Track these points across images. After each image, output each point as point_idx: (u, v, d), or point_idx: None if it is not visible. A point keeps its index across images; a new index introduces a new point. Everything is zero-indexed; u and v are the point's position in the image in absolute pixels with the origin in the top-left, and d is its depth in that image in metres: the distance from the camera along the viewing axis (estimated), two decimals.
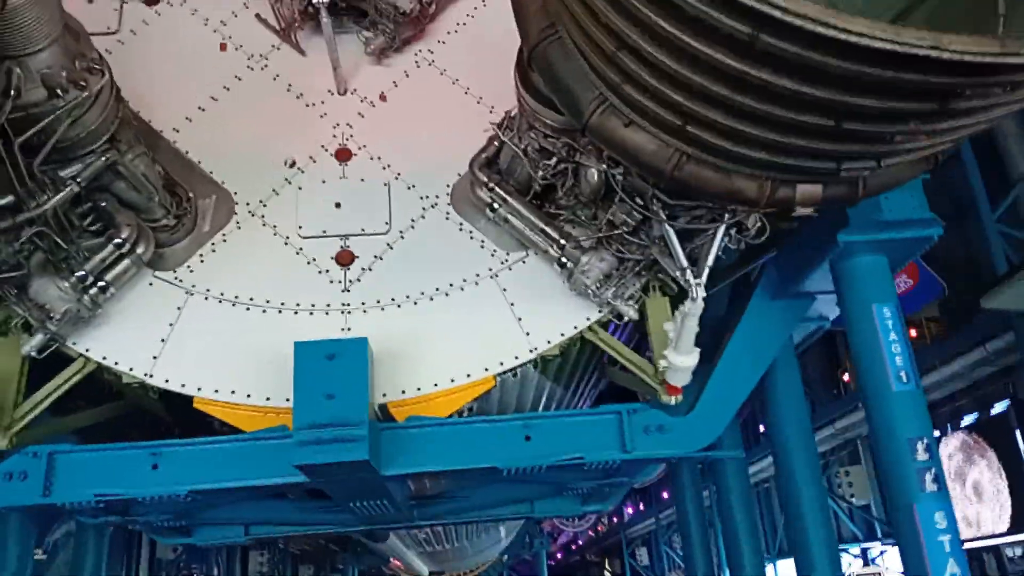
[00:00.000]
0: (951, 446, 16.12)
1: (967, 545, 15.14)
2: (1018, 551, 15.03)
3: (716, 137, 2.89)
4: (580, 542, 57.26)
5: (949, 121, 2.58)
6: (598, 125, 3.14)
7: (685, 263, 4.77)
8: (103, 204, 5.10)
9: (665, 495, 38.38)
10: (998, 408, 14.53)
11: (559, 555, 65.26)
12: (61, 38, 4.32)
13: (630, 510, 45.20)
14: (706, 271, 4.79)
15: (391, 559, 22.06)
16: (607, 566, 51.28)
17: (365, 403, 4.63)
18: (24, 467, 4.95)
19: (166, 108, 5.93)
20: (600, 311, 5.51)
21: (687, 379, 5.29)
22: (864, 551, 20.74)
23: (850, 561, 21.07)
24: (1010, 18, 2.94)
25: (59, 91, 4.31)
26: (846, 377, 19.09)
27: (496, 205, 5.41)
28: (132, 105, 5.87)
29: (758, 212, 4.34)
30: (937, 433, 16.29)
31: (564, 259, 5.29)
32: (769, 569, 29.95)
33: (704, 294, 4.79)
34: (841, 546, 21.29)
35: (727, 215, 4.68)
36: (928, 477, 4.47)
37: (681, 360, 5.12)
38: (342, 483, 5.33)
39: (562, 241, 5.22)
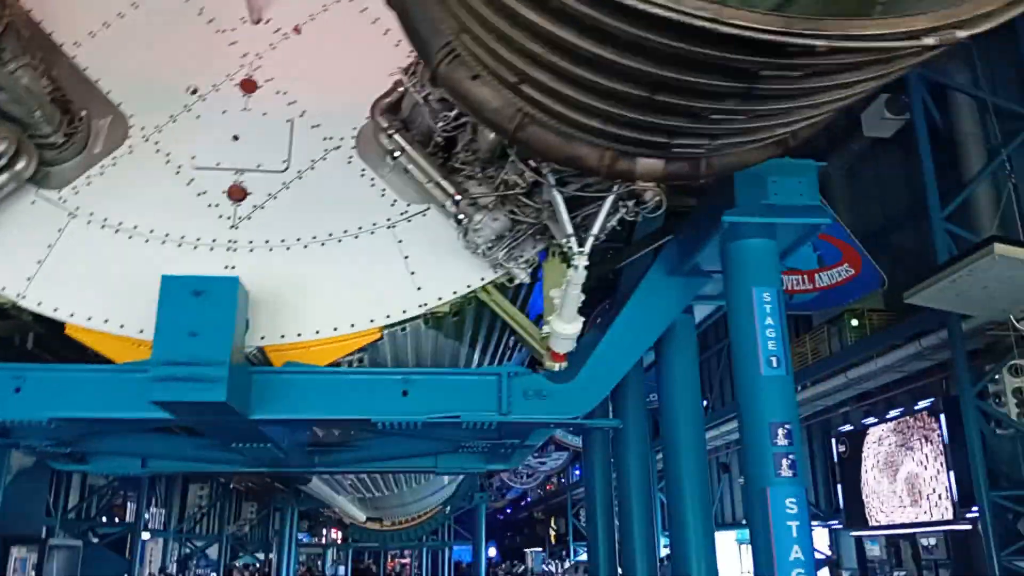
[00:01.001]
0: (880, 434, 16.39)
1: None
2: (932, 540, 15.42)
3: (550, 100, 2.78)
4: (528, 499, 58.09)
5: (768, 103, 2.49)
6: (445, 75, 3.01)
7: (569, 230, 4.68)
8: None
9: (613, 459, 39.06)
10: (923, 404, 14.78)
11: (508, 510, 66.23)
12: None
13: (577, 472, 45.87)
14: (591, 240, 4.71)
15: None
16: (552, 525, 52.12)
17: (228, 344, 4.52)
18: None
19: (70, 20, 5.68)
20: (496, 272, 5.42)
21: (571, 346, 5.24)
22: None
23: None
24: (888, 7, 2.84)
25: None
26: None
27: (396, 153, 5.26)
28: (35, 14, 5.66)
29: (636, 185, 4.23)
30: (873, 420, 16.61)
31: (460, 215, 5.17)
32: None
33: (586, 263, 4.71)
34: None
35: (616, 186, 4.59)
36: (785, 463, 4.48)
37: (563, 327, 5.06)
38: (211, 424, 5.25)
39: (457, 196, 5.09)
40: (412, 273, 5.42)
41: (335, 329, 5.29)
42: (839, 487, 18.19)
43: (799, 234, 4.91)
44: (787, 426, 4.54)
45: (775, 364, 4.66)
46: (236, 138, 5.54)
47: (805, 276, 13.24)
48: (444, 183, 5.11)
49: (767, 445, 4.51)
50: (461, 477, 24.10)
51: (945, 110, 14.18)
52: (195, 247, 5.34)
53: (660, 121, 2.64)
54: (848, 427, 17.92)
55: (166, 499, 27.11)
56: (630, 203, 5.14)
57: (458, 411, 5.15)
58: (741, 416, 4.72)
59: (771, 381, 4.64)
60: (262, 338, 5.22)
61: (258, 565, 34.06)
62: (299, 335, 5.26)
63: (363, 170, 5.58)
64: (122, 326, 5.11)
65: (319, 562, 38.25)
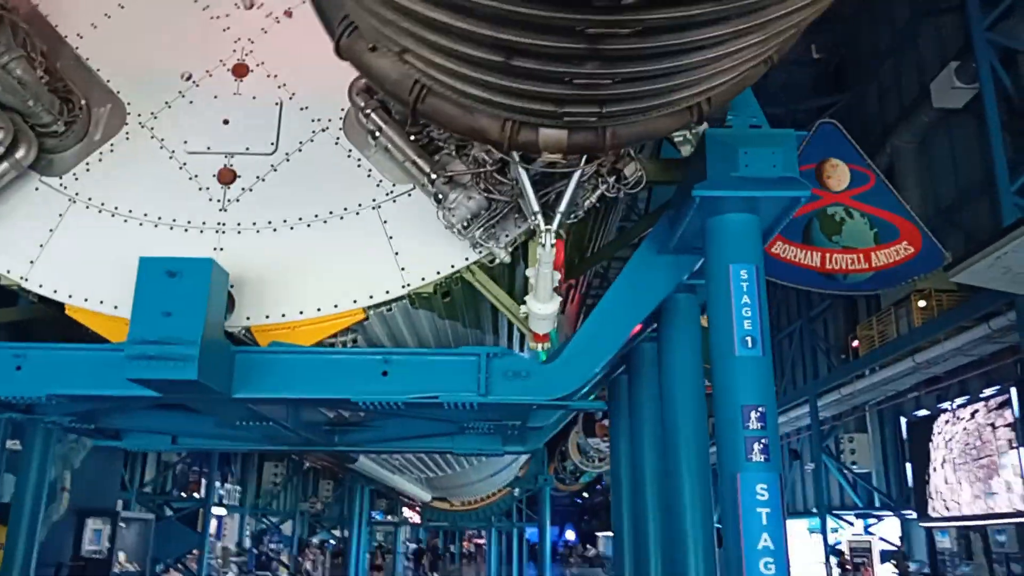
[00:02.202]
0: (950, 421, 15.63)
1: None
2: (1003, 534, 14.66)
3: (431, 70, 2.70)
4: (604, 482, 57.97)
5: (631, 65, 2.33)
6: (347, 48, 2.96)
7: (536, 207, 4.58)
8: None
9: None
10: (993, 389, 14.00)
11: (585, 493, 66.28)
12: None
13: None
14: (558, 217, 4.60)
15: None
16: None
17: (200, 323, 4.61)
18: None
19: (74, 13, 5.87)
20: (479, 252, 5.37)
21: (549, 326, 5.16)
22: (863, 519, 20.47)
23: (843, 528, 20.85)
24: None
25: None
26: (855, 343, 18.55)
27: (377, 133, 5.25)
28: (42, 7, 5.88)
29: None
30: (943, 406, 15.83)
31: (438, 194, 5.13)
32: None
33: (553, 241, 4.61)
34: (839, 512, 21.05)
35: (582, 161, 4.47)
36: (756, 447, 4.28)
37: (539, 307, 4.98)
38: (200, 402, 5.38)
39: (433, 175, 5.05)
40: (396, 254, 5.42)
41: (319, 310, 5.35)
42: (909, 476, 17.46)
43: (779, 208, 4.67)
44: (760, 409, 4.34)
45: (750, 344, 4.46)
46: (227, 122, 5.63)
47: (860, 255, 12.67)
48: (420, 162, 5.07)
49: (739, 428, 4.33)
50: (523, 459, 24.23)
51: (1018, 77, 13.30)
52: (186, 230, 5.47)
53: (537, 89, 2.53)
54: (918, 413, 17.16)
55: (242, 476, 28.18)
56: (611, 179, 5.02)
57: (438, 391, 5.13)
58: (715, 398, 4.55)
59: (745, 362, 4.45)
60: (247, 318, 5.32)
61: (333, 542, 35.10)
62: (283, 315, 5.34)
63: (350, 151, 5.59)
64: (116, 307, 5.28)
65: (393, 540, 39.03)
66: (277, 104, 5.68)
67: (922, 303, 15.22)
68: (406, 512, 37.08)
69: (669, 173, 5.26)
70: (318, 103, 5.67)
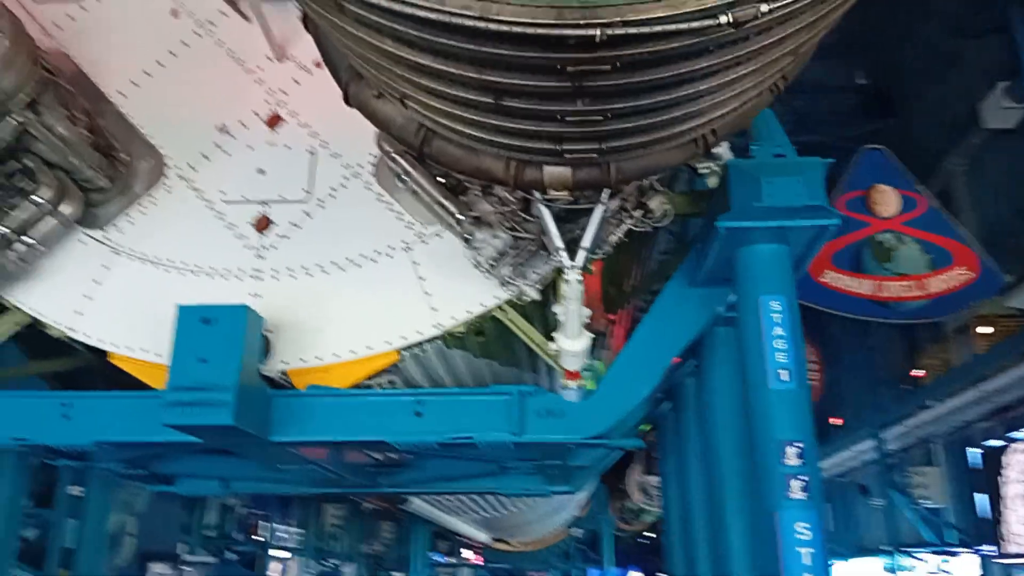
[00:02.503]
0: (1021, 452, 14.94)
1: None
2: None
3: (430, 113, 2.73)
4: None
5: (621, 101, 2.32)
6: (355, 96, 3.02)
7: (559, 243, 4.57)
8: (29, 164, 5.36)
9: None
10: None
11: (652, 533, 64.84)
12: None
13: None
14: (581, 254, 4.58)
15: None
16: None
17: (236, 369, 4.70)
18: None
19: (116, 72, 6.12)
20: (509, 291, 5.37)
21: (580, 363, 5.11)
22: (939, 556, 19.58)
23: (915, 566, 19.97)
24: None
25: None
26: (919, 372, 17.92)
27: (404, 176, 5.32)
28: (86, 69, 6.16)
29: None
30: (1015, 436, 15.13)
31: (465, 235, 5.16)
32: (844, 565, 28.78)
33: (579, 277, 4.58)
34: (910, 550, 20.19)
35: (604, 197, 4.46)
36: (796, 484, 4.14)
37: (568, 344, 4.95)
38: (239, 446, 5.46)
39: (459, 216, 5.08)
40: (428, 294, 5.46)
41: (352, 352, 5.40)
42: (982, 509, 16.68)
43: (808, 237, 4.56)
44: (799, 444, 4.21)
45: (785, 377, 4.34)
46: (261, 171, 5.79)
47: (914, 282, 12.32)
48: (446, 203, 5.11)
49: (776, 465, 4.20)
50: (582, 499, 23.90)
51: None
52: (225, 277, 5.61)
53: (533, 127, 2.53)
54: (988, 443, 16.43)
55: (303, 519, 28.34)
56: (636, 213, 4.99)
57: (470, 432, 5.11)
58: (751, 434, 4.42)
59: (780, 395, 4.32)
60: (284, 362, 5.40)
61: None
62: (318, 359, 5.41)
63: (380, 195, 5.68)
64: (158, 355, 5.42)
65: None
66: (310, 152, 5.81)
67: (986, 329, 14.67)
68: (465, 553, 36.78)
69: (696, 205, 5.21)
70: (349, 150, 5.79)
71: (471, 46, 2.02)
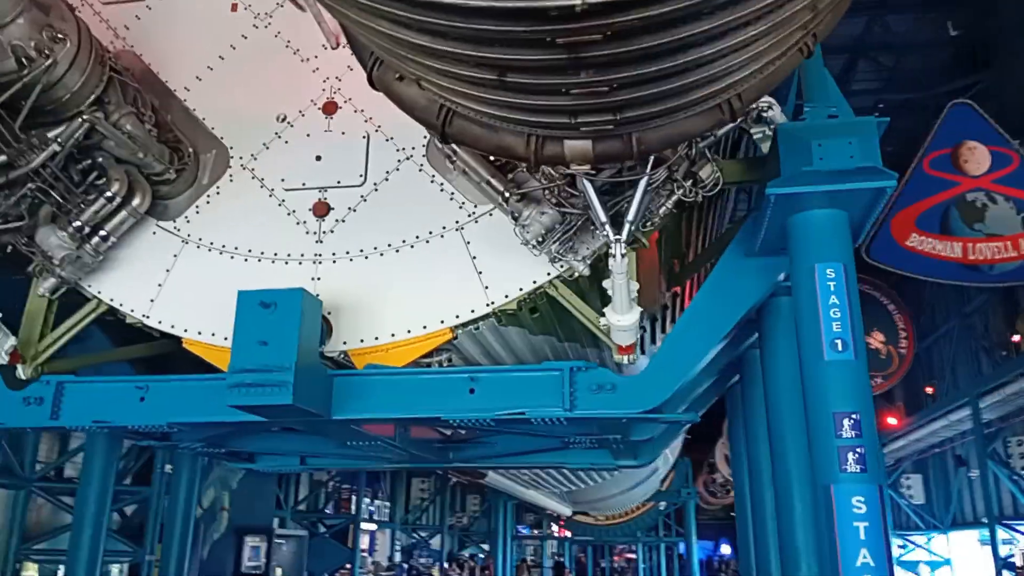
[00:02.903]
0: None
1: None
2: None
3: (446, 93, 2.74)
4: None
5: (626, 70, 2.26)
6: (379, 80, 3.06)
7: (603, 218, 4.53)
8: (100, 160, 5.64)
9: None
10: None
11: None
12: (27, 11, 4.80)
13: None
14: (627, 227, 4.53)
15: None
16: None
17: (293, 350, 4.86)
18: (41, 393, 5.68)
19: (180, 68, 6.36)
20: (560, 267, 5.37)
21: (632, 337, 5.07)
22: None
23: (1017, 540, 19.13)
24: None
25: (24, 60, 4.80)
26: (1016, 338, 17.04)
27: (453, 157, 5.37)
28: (154, 66, 6.42)
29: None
30: None
31: (514, 212, 5.18)
32: (941, 539, 27.78)
33: (624, 251, 4.54)
34: (1011, 523, 19.35)
35: (647, 168, 4.40)
36: (852, 457, 4.03)
37: (618, 319, 4.92)
38: (305, 424, 5.66)
39: (506, 193, 5.10)
40: (480, 273, 5.52)
41: (408, 332, 5.52)
42: None
43: (864, 201, 4.38)
44: (854, 416, 4.09)
45: (840, 348, 4.22)
46: (319, 158, 5.93)
47: (1008, 242, 11.70)
48: (494, 181, 5.14)
49: (831, 438, 4.10)
50: (664, 473, 23.78)
51: None
52: (286, 263, 5.79)
53: (543, 102, 2.52)
54: None
55: (391, 493, 29.15)
56: (687, 184, 4.91)
57: (523, 407, 5.15)
58: (806, 406, 4.32)
59: (836, 366, 4.20)
60: (344, 343, 5.56)
61: (482, 556, 35.62)
62: (376, 339, 5.54)
63: (432, 176, 5.75)
64: (226, 338, 5.64)
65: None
66: (364, 137, 5.92)
67: None
68: (552, 526, 37.15)
69: (750, 172, 5.08)
70: (402, 133, 5.86)
71: (461, 24, 2.03)
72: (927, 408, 23.37)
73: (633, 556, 47.35)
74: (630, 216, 4.52)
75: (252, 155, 6.08)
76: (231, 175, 6.07)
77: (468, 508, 35.43)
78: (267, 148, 6.07)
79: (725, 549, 69.97)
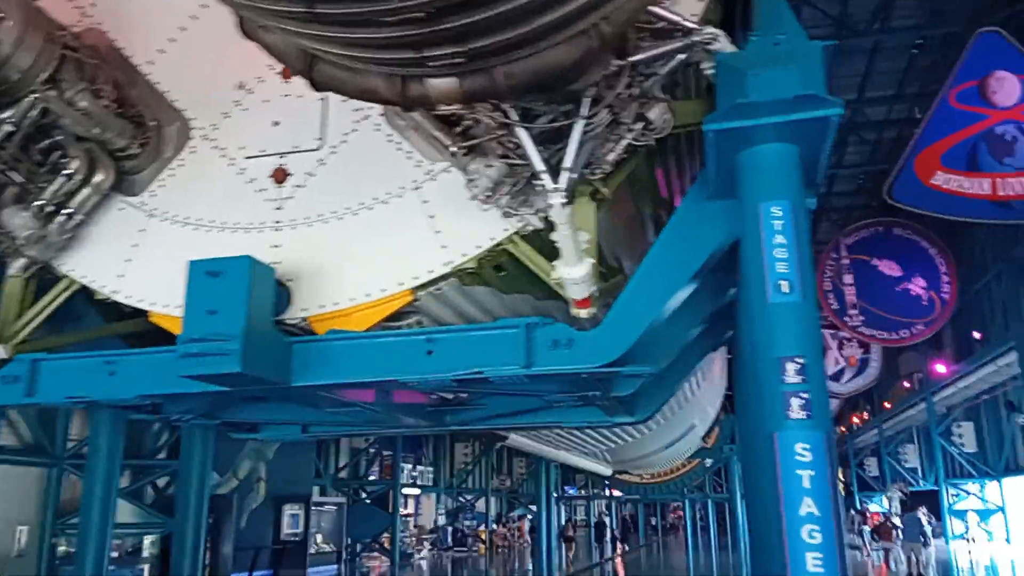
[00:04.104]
0: None
1: None
2: None
3: (293, 37, 2.61)
4: None
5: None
6: (248, 29, 2.95)
7: (540, 166, 4.39)
8: (60, 139, 5.66)
9: (887, 405, 35.78)
10: None
11: None
12: None
13: (856, 419, 42.74)
14: (565, 176, 4.37)
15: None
16: (840, 477, 49.34)
17: (242, 318, 4.83)
18: (17, 371, 5.78)
19: (144, 43, 6.32)
20: (518, 222, 5.23)
21: (585, 291, 4.93)
22: None
23: None
24: None
25: None
26: None
27: (397, 112, 5.24)
28: (118, 42, 6.38)
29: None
30: None
31: (461, 166, 5.04)
32: (994, 487, 27.08)
33: (563, 200, 4.38)
34: None
35: (582, 111, 4.22)
36: (796, 403, 3.85)
37: (568, 271, 4.78)
38: (277, 391, 5.66)
39: (453, 147, 4.96)
40: (437, 232, 5.40)
41: (367, 295, 5.45)
42: None
43: (813, 133, 4.12)
44: (799, 360, 3.90)
45: (785, 289, 4.01)
46: (276, 124, 5.85)
47: None
48: (439, 135, 5.00)
49: (775, 383, 3.92)
50: (704, 430, 23.57)
51: None
52: (247, 232, 5.76)
53: (376, 35, 2.37)
54: None
55: (434, 458, 29.55)
56: (636, 127, 4.71)
57: (481, 367, 5.06)
58: (750, 351, 4.14)
59: (781, 308, 4.00)
60: (304, 309, 5.52)
61: (530, 516, 35.99)
62: (336, 304, 5.49)
63: (390, 136, 5.63)
64: None
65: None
66: (321, 99, 5.81)
67: None
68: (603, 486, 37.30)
69: (703, 113, 4.83)
70: None
71: None
72: (975, 354, 22.66)
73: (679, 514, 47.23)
74: (567, 163, 4.36)
75: (213, 125, 6.03)
76: (193, 146, 6.04)
77: (515, 471, 35.79)
78: (227, 117, 6.01)
79: None
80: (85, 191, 5.75)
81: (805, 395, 3.86)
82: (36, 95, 5.31)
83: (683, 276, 4.92)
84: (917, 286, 18.95)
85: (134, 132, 5.96)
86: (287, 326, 5.60)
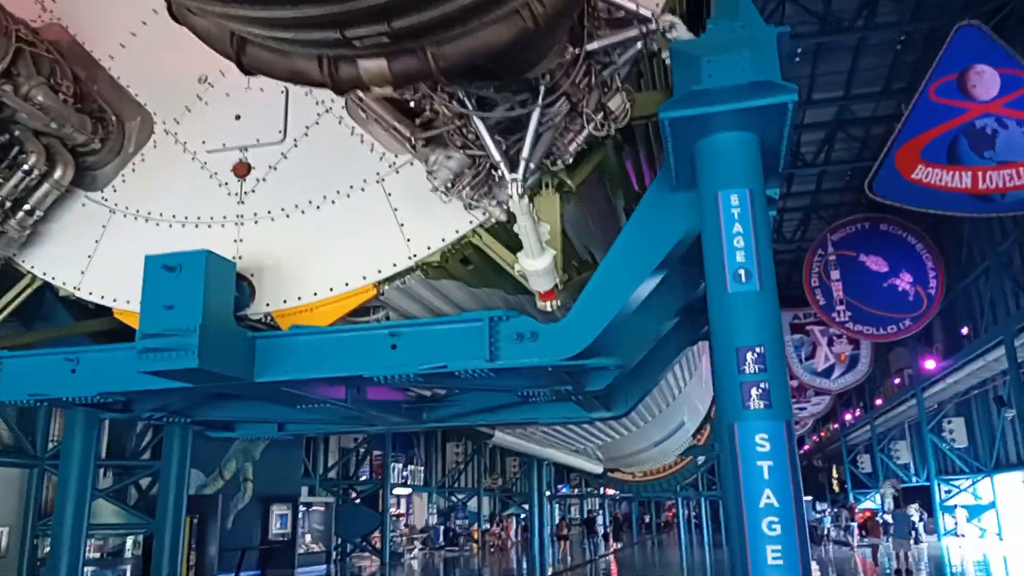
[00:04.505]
0: None
1: None
2: None
3: (220, 19, 2.54)
4: (806, 447, 55.47)
5: None
6: (177, 13, 2.88)
7: (497, 156, 4.32)
8: (17, 134, 5.57)
9: (879, 401, 35.79)
10: None
11: None
12: None
13: (848, 416, 42.78)
14: (522, 164, 4.30)
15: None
16: (835, 473, 49.43)
17: (198, 313, 4.75)
18: None
19: (104, 37, 6.23)
20: (482, 215, 5.15)
21: (548, 283, 4.86)
22: None
23: None
24: None
25: None
26: None
27: (360, 105, 5.16)
28: (78, 36, 6.30)
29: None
30: None
31: (422, 158, 4.97)
32: (985, 482, 27.06)
33: (521, 191, 4.32)
34: None
35: (539, 99, 4.15)
36: (755, 393, 3.79)
37: (530, 263, 4.71)
38: (242, 388, 5.57)
39: (413, 139, 4.89)
40: (401, 225, 5.33)
41: (331, 290, 5.37)
42: None
43: (770, 120, 4.06)
44: (758, 350, 3.84)
45: (744, 279, 3.95)
46: (238, 117, 5.77)
47: (1021, 168, 11.04)
48: (399, 126, 4.93)
49: (734, 373, 3.86)
50: (694, 428, 23.53)
51: None
52: (209, 226, 5.68)
53: (294, 14, 2.30)
54: None
55: (425, 457, 29.46)
56: (597, 117, 4.64)
57: (445, 361, 4.99)
58: (711, 342, 4.07)
59: (740, 298, 3.94)
60: (267, 304, 5.45)
61: (523, 516, 35.93)
62: (299, 299, 5.41)
63: (352, 128, 5.55)
64: None
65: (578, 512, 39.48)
66: (283, 92, 5.74)
67: None
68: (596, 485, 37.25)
69: (657, 102, 4.76)
70: None
71: None
72: (964, 350, 22.65)
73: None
74: (524, 152, 4.29)
75: (175, 119, 5.95)
76: (155, 141, 5.96)
77: (508, 470, 35.73)
78: (189, 111, 5.93)
79: None
80: (44, 187, 5.66)
81: (764, 384, 3.79)
82: None
83: (647, 268, 4.86)
84: (904, 281, 18.92)
85: (94, 127, 5.87)
86: (251, 321, 5.53)
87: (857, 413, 41.23)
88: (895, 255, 18.77)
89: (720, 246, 4.02)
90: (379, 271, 5.31)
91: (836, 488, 48.16)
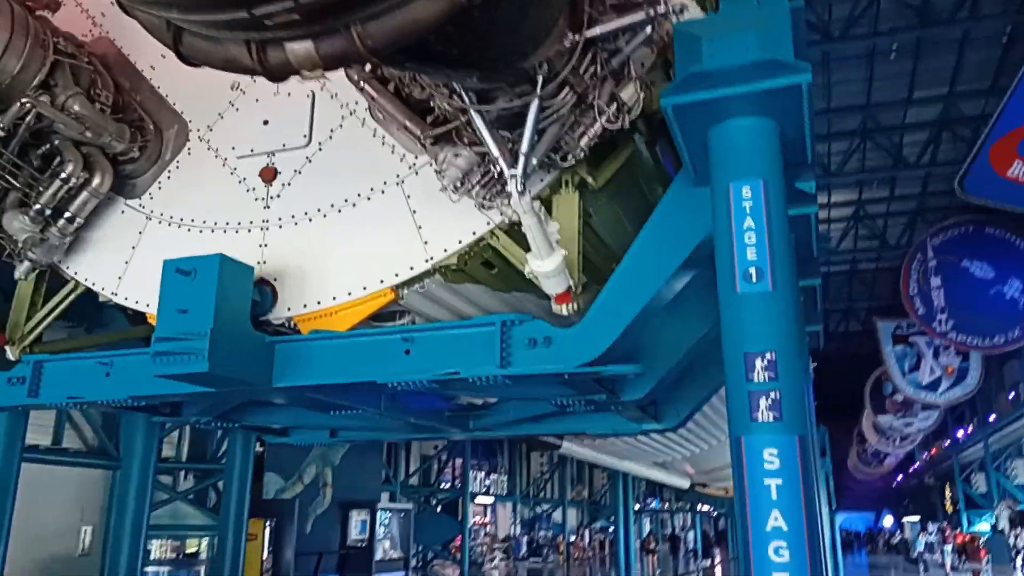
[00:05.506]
0: None
1: None
2: None
3: (145, 5, 2.45)
4: (917, 464, 52.63)
5: None
6: (124, 4, 2.81)
7: (496, 152, 4.12)
8: (56, 143, 5.74)
9: (992, 417, 33.40)
10: None
11: (899, 477, 60.52)
12: None
13: (960, 433, 40.18)
14: (521, 159, 4.08)
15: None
16: (947, 492, 46.70)
17: (209, 318, 4.73)
18: (23, 373, 5.88)
19: (147, 48, 6.38)
20: (499, 216, 4.96)
21: (561, 285, 4.62)
22: None
23: None
24: None
25: None
26: None
27: (370, 104, 5.05)
28: (124, 49, 6.48)
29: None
30: None
31: (431, 157, 4.82)
32: None
33: (522, 188, 4.10)
34: None
35: (536, 91, 3.94)
36: (764, 403, 3.44)
37: (539, 265, 4.48)
38: (267, 393, 5.55)
39: (423, 138, 4.74)
40: (419, 228, 5.20)
41: (349, 294, 5.29)
42: None
43: (786, 103, 3.69)
44: (768, 356, 3.48)
45: (754, 278, 3.61)
46: (266, 122, 5.79)
47: None
48: (410, 124, 4.79)
49: (742, 382, 3.52)
50: None
51: None
52: (237, 231, 5.70)
53: None
54: None
55: (509, 466, 29.34)
56: (610, 109, 4.38)
57: (457, 367, 4.81)
58: (723, 347, 3.73)
59: (749, 300, 3.60)
60: (288, 309, 5.41)
61: (611, 528, 35.32)
62: (319, 303, 5.35)
63: (375, 130, 5.46)
64: None
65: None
66: (309, 96, 5.72)
67: None
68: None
69: None
70: (345, 88, 5.60)
71: None
72: None
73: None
74: (524, 146, 4.07)
75: (208, 126, 6.02)
76: (189, 148, 6.04)
77: (596, 481, 35.25)
78: (221, 118, 5.99)
79: (888, 520, 66.02)
80: (83, 195, 5.81)
81: (774, 394, 3.44)
82: (24, 100, 5.38)
83: (668, 268, 4.55)
84: (1013, 289, 17.54)
85: (133, 136, 6.00)
86: (275, 326, 5.50)
87: (970, 429, 38.74)
88: (1002, 261, 17.42)
89: (730, 242, 3.69)
90: (396, 275, 5.20)
91: (949, 508, 45.47)
